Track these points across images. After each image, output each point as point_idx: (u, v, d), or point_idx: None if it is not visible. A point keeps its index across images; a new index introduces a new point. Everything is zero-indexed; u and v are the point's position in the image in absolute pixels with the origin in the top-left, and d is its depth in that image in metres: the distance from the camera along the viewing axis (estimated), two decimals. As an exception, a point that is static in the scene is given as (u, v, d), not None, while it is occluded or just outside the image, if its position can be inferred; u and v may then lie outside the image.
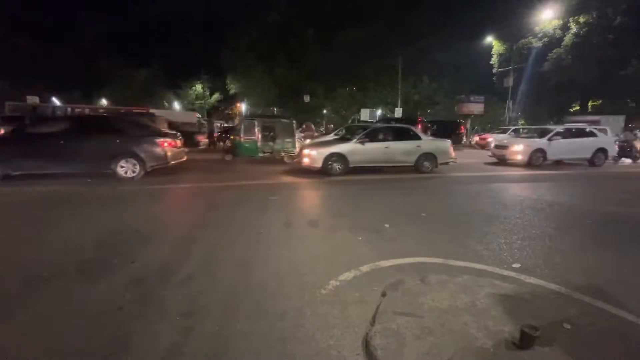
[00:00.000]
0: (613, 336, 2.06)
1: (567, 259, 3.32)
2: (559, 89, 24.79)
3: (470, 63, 30.05)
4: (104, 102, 35.61)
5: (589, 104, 27.03)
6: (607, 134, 15.38)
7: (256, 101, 36.33)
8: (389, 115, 29.14)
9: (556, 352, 1.84)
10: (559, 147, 11.39)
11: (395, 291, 2.52)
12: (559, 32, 24.50)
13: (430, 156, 9.10)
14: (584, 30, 22.93)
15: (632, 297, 2.53)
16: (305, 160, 8.58)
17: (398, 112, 25.91)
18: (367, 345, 1.95)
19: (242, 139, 11.11)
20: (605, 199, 6.44)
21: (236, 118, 41.84)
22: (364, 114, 27.06)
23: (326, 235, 3.98)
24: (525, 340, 1.84)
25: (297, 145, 11.53)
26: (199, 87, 40.65)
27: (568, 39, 23.63)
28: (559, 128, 12.32)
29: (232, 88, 34.20)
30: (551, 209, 5.37)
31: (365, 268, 3.00)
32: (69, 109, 23.24)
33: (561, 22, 24.17)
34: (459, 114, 25.62)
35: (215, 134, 20.07)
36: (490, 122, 28.25)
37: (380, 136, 9.15)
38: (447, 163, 9.47)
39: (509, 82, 24.37)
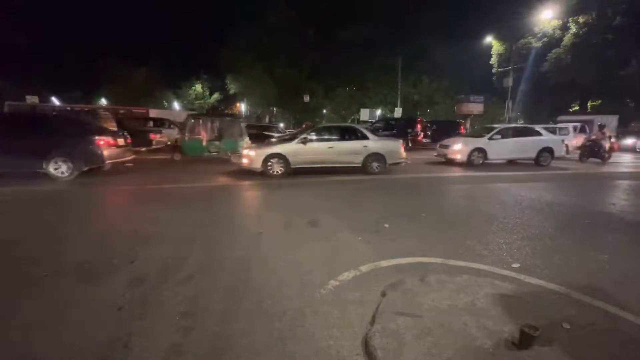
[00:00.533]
0: (613, 336, 2.06)
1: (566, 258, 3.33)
2: (558, 89, 24.84)
3: (469, 63, 30.10)
4: (103, 101, 35.60)
5: (589, 104, 27.08)
6: (570, 132, 15.29)
7: (256, 101, 36.35)
8: (388, 115, 29.17)
9: (556, 352, 1.84)
10: (500, 147, 11.02)
11: (394, 291, 2.52)
12: (558, 32, 24.54)
13: (378, 157, 8.74)
14: (583, 30, 22.97)
15: (632, 297, 2.53)
16: (244, 161, 8.27)
17: (398, 112, 25.93)
18: (366, 345, 1.95)
19: (187, 138, 10.73)
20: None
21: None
22: (364, 114, 27.09)
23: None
24: (524, 340, 1.84)
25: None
26: (198, 87, 40.64)
27: (567, 39, 23.66)
28: (501, 127, 11.92)
29: (232, 88, 34.19)
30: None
31: (364, 268, 3.00)
32: (69, 109, 23.26)
33: (560, 22, 24.21)
34: (459, 114, 25.64)
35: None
36: (490, 122, 28.30)
37: (325, 136, 8.80)
38: (398, 164, 9.09)
39: (509, 82, 24.39)
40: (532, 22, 24.93)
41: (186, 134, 10.81)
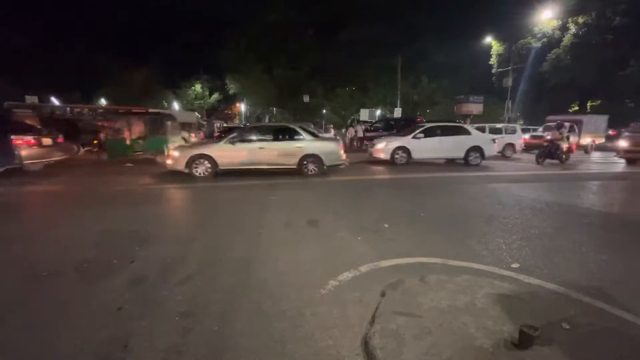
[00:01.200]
0: (612, 336, 2.06)
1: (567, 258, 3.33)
2: (558, 89, 24.88)
3: (469, 63, 30.13)
4: (103, 101, 35.58)
5: (588, 105, 27.12)
6: (516, 132, 14.95)
7: (256, 101, 36.38)
8: (388, 115, 29.19)
9: (555, 352, 1.84)
10: (425, 146, 10.73)
11: (394, 291, 2.52)
12: (558, 32, 24.58)
13: (314, 158, 8.30)
14: (582, 30, 23.00)
15: (632, 297, 2.53)
16: (169, 162, 7.92)
17: (397, 112, 25.92)
18: (366, 345, 1.95)
19: (111, 137, 10.30)
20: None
21: (235, 117, 41.89)
22: (364, 114, 27.09)
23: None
24: (524, 340, 1.84)
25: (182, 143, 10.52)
26: (198, 87, 40.62)
27: (567, 39, 23.70)
28: (426, 125, 11.63)
29: (232, 88, 34.21)
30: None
31: (364, 268, 3.00)
32: (68, 109, 23.26)
33: (560, 22, 24.25)
34: (458, 114, 25.64)
35: (215, 134, 20.06)
36: (490, 122, 28.30)
37: (256, 136, 8.43)
38: (337, 166, 8.62)
39: (508, 82, 24.41)
40: (532, 23, 24.98)
41: (111, 133, 10.25)
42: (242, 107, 41.27)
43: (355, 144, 19.26)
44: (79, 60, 34.92)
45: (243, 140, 8.18)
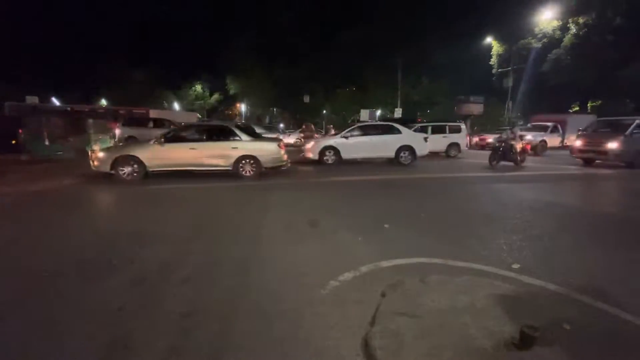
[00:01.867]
0: (613, 337, 2.06)
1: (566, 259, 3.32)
2: (558, 90, 24.85)
3: (469, 64, 30.10)
4: (103, 102, 35.61)
5: (589, 105, 27.10)
6: (461, 131, 14.41)
7: (256, 101, 36.40)
8: (389, 116, 29.19)
9: (556, 353, 1.84)
10: (355, 145, 10.56)
11: (394, 291, 2.52)
12: (558, 32, 24.55)
13: (251, 160, 7.89)
14: (583, 31, 22.98)
15: (633, 298, 2.53)
16: (95, 163, 7.54)
17: (398, 113, 25.93)
18: (366, 345, 1.94)
19: (30, 136, 9.88)
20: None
21: (236, 118, 41.92)
22: (364, 115, 27.10)
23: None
24: (525, 341, 1.84)
25: (110, 143, 10.07)
26: (198, 88, 40.64)
27: (567, 39, 23.67)
28: (356, 125, 11.49)
29: (232, 88, 34.23)
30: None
31: (364, 268, 3.00)
32: (69, 109, 23.31)
33: (560, 23, 24.22)
34: (458, 114, 25.63)
35: None
36: (490, 122, 28.32)
37: (188, 136, 8.11)
38: (277, 167, 8.26)
39: (509, 82, 24.41)
40: (532, 23, 24.95)
41: (32, 132, 9.82)
42: (242, 107, 41.30)
43: None
44: (80, 60, 35.00)
45: (173, 140, 7.80)
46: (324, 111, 35.44)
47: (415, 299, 2.40)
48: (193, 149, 7.75)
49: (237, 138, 7.98)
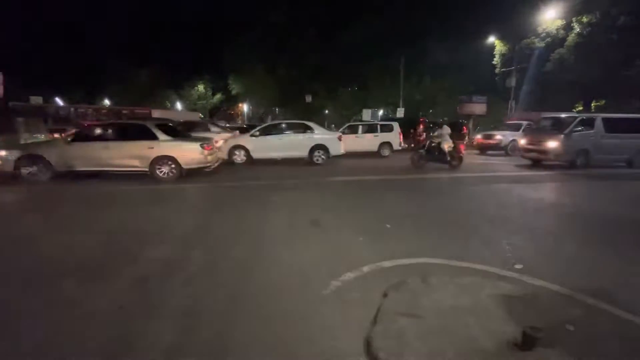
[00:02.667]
0: (616, 338, 2.05)
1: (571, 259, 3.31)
2: (562, 89, 24.70)
3: (472, 63, 29.96)
4: (106, 102, 35.78)
5: (593, 104, 26.92)
6: (394, 130, 13.78)
7: (258, 101, 36.42)
8: (391, 116, 29.15)
9: (559, 354, 1.83)
10: (266, 144, 10.20)
11: (396, 292, 2.51)
12: (562, 32, 24.39)
13: (170, 161, 7.43)
14: (587, 30, 22.81)
15: (636, 299, 2.51)
16: None
17: (400, 112, 25.88)
18: (368, 345, 1.94)
19: None
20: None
21: (238, 117, 42.00)
22: (366, 114, 27.06)
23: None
24: (527, 342, 1.83)
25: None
26: (201, 88, 40.71)
27: (571, 39, 23.52)
28: (268, 123, 11.25)
29: (234, 88, 34.26)
30: None
31: (366, 268, 3.00)
32: (72, 109, 23.47)
33: (564, 22, 24.07)
34: (461, 114, 25.54)
35: None
36: (493, 122, 28.20)
37: (101, 134, 7.64)
38: (200, 169, 7.79)
39: (512, 82, 24.28)
40: (536, 22, 24.81)
41: None
42: (244, 107, 41.34)
43: None
44: (83, 60, 35.17)
45: (84, 139, 7.37)
46: (326, 111, 35.41)
47: (418, 299, 2.39)
48: (106, 148, 7.31)
49: (156, 138, 7.47)
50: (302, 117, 28.05)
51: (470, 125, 24.39)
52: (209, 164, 7.94)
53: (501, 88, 27.86)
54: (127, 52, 35.97)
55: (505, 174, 9.45)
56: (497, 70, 29.26)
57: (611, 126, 10.51)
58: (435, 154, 9.95)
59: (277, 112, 38.22)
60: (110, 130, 7.75)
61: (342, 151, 10.87)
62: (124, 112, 23.02)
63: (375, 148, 13.95)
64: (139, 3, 47.36)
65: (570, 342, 1.93)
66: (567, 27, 24.00)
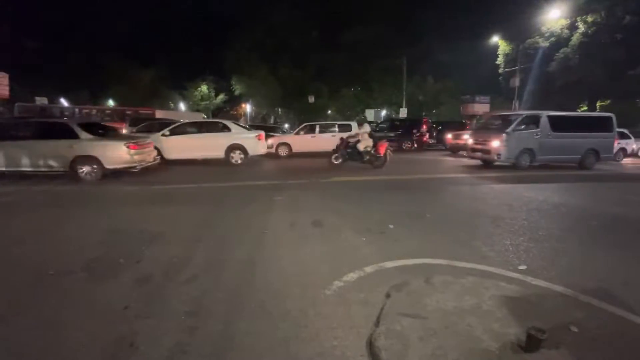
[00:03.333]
0: (621, 339, 2.03)
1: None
2: (566, 89, 24.53)
3: (475, 63, 29.90)
4: (111, 102, 36.01)
5: (597, 104, 26.71)
6: (352, 130, 13.23)
7: (261, 102, 36.50)
8: (393, 116, 29.10)
9: (563, 356, 1.82)
10: (179, 144, 9.81)
11: (399, 292, 2.51)
12: (566, 31, 24.25)
13: (92, 161, 7.15)
14: (592, 29, 22.66)
15: (641, 300, 2.49)
16: None
17: (403, 113, 25.83)
18: (371, 346, 1.94)
19: None
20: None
21: (241, 118, 42.12)
22: (369, 115, 27.04)
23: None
24: (531, 343, 1.82)
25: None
26: (204, 88, 40.88)
27: (575, 38, 23.37)
28: (182, 122, 10.87)
29: (237, 89, 34.36)
30: None
31: (369, 269, 2.99)
32: (77, 110, 23.67)
33: (568, 21, 23.92)
34: (464, 114, 25.46)
35: None
36: None
37: (18, 133, 7.33)
38: (122, 170, 7.48)
39: (515, 82, 24.16)
40: (540, 22, 24.67)
41: None
42: (247, 107, 41.46)
43: None
44: (87, 61, 35.44)
45: (1, 138, 7.09)
46: (329, 111, 35.43)
47: (420, 299, 2.38)
48: (22, 148, 7.06)
49: (75, 136, 7.18)
50: (304, 117, 28.10)
51: (473, 125, 24.25)
52: (135, 164, 7.58)
53: (505, 88, 27.74)
54: (131, 53, 36.27)
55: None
56: (500, 70, 29.13)
57: (559, 125, 10.02)
58: (351, 153, 9.75)
59: (279, 112, 38.30)
60: (29, 129, 7.42)
61: (262, 151, 10.57)
62: (128, 112, 23.16)
63: (332, 148, 13.79)
64: (143, 4, 47.66)
65: (574, 344, 1.92)
66: (572, 27, 23.86)
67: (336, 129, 14.29)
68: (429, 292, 2.48)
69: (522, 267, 3.05)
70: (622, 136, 14.66)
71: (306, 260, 3.21)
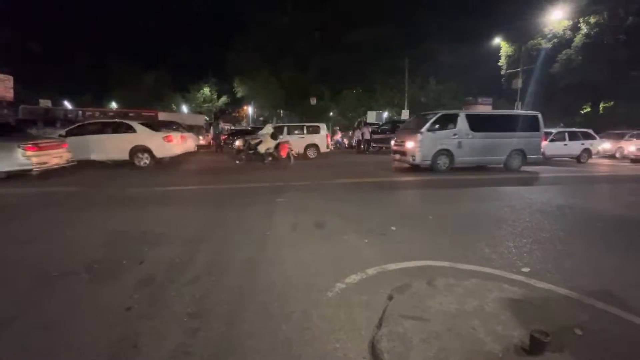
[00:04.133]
0: (626, 343, 2.01)
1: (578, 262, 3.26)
2: (569, 91, 24.44)
3: (478, 64, 29.85)
4: (114, 105, 36.25)
5: (601, 106, 26.60)
6: (321, 132, 13.63)
7: (263, 104, 36.63)
8: (395, 118, 29.09)
9: (567, 359, 1.80)
10: (81, 145, 9.36)
11: (402, 294, 2.50)
12: (568, 32, 24.20)
13: None
14: (594, 30, 22.60)
15: (646, 303, 2.46)
16: None
17: (405, 114, 25.84)
18: (373, 348, 1.93)
19: None
20: None
21: (243, 120, 42.28)
22: (371, 116, 27.05)
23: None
24: (535, 346, 1.81)
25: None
26: (206, 90, 41.09)
27: (578, 39, 23.31)
28: (86, 122, 10.55)
29: (239, 91, 34.49)
30: None
31: (371, 271, 2.98)
32: (80, 112, 23.83)
33: (571, 22, 23.87)
34: (467, 115, 25.38)
35: (223, 136, 20.27)
36: None
37: None
38: (22, 172, 7.29)
39: (518, 83, 24.12)
40: (542, 23, 24.64)
41: None
42: (249, 109, 41.61)
43: (362, 146, 19.21)
44: (90, 64, 35.72)
45: None
46: (331, 113, 35.47)
47: (423, 302, 2.37)
48: None
49: None
50: (307, 119, 28.17)
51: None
52: (30, 168, 7.25)
53: (507, 89, 27.68)
54: (134, 56, 36.52)
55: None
56: (503, 72, 29.09)
57: (479, 124, 9.53)
58: (252, 154, 9.76)
59: (281, 114, 38.39)
60: None
61: (167, 154, 10.13)
62: (131, 114, 23.33)
63: (301, 150, 13.76)
64: (146, 7, 47.99)
65: (578, 347, 1.90)
66: (574, 28, 23.81)
67: (304, 130, 14.23)
68: (431, 295, 2.47)
69: (526, 269, 3.03)
70: (587, 136, 14.15)
71: (308, 262, 3.21)
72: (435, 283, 2.65)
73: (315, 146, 14.04)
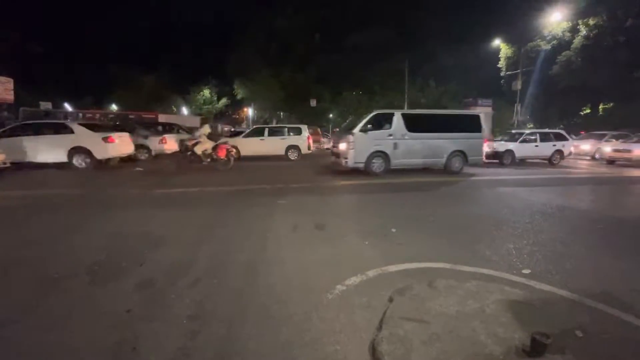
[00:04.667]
0: (627, 345, 2.01)
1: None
2: (568, 92, 24.50)
3: (477, 66, 29.91)
4: (114, 107, 36.31)
5: (600, 107, 26.63)
6: (302, 133, 13.43)
7: (263, 105, 36.70)
8: (395, 119, 29.09)
9: (568, 361, 1.80)
10: (19, 146, 9.13)
11: (402, 296, 2.49)
12: (568, 34, 24.28)
13: None
14: (593, 32, 22.67)
15: (647, 305, 2.46)
16: None
17: (405, 116, 25.86)
18: (374, 350, 1.93)
19: None
20: None
21: (243, 122, 42.33)
22: (370, 118, 26.99)
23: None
24: (536, 348, 1.80)
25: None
26: (206, 92, 41.15)
27: (577, 41, 23.38)
28: (25, 123, 10.13)
29: (239, 93, 34.55)
30: None
31: (371, 273, 2.98)
32: (80, 115, 23.89)
33: (570, 24, 23.95)
34: (466, 117, 25.40)
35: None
36: (499, 125, 28.00)
37: None
38: None
39: (517, 85, 24.15)
40: (541, 25, 24.74)
41: None
42: (249, 111, 41.67)
43: None
44: (91, 66, 35.85)
45: None
46: (331, 115, 35.53)
47: (424, 304, 2.37)
48: None
49: None
50: (306, 121, 28.20)
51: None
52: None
53: (507, 91, 27.72)
54: (134, 58, 36.65)
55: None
56: (502, 74, 29.15)
57: (416, 124, 9.08)
58: (190, 155, 9.64)
59: (281, 116, 38.44)
60: None
61: (108, 155, 9.78)
62: (131, 116, 23.37)
63: (282, 152, 13.74)
64: (146, 9, 48.19)
65: (579, 349, 1.90)
66: (574, 30, 23.88)
67: (286, 132, 14.24)
68: (432, 296, 2.47)
69: (526, 271, 3.03)
70: (559, 137, 13.53)
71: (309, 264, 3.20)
72: (436, 285, 2.65)
73: (296, 147, 13.97)
